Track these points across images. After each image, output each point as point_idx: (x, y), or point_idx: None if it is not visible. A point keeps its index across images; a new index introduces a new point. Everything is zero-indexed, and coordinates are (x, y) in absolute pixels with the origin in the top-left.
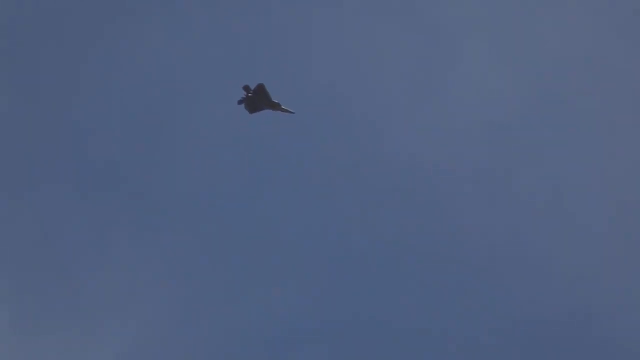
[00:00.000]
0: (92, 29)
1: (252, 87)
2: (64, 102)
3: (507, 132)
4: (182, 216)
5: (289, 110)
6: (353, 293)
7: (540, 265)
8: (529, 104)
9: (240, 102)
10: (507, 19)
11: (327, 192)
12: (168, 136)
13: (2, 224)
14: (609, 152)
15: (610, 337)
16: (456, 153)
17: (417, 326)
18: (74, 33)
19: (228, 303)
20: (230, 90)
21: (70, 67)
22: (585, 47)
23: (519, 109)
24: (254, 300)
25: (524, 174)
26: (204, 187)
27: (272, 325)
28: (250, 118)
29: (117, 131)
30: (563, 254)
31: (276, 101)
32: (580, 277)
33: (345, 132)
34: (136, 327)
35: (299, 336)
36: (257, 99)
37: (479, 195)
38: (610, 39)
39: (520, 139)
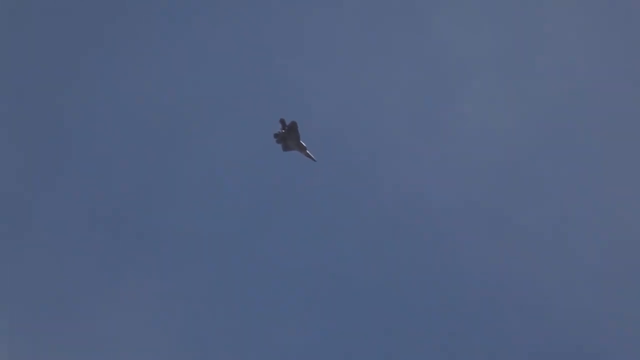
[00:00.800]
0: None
1: (287, 122)
2: (67, 131)
3: (510, 171)
4: (189, 256)
5: (312, 157)
6: (355, 334)
7: (543, 305)
8: (533, 143)
9: (275, 136)
10: (511, 56)
11: (326, 232)
12: (177, 174)
13: (3, 263)
14: (614, 191)
15: None
16: (457, 192)
17: None
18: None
19: (238, 347)
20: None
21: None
22: (588, 85)
23: (523, 147)
24: (263, 344)
25: (528, 213)
26: (213, 225)
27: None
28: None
29: (124, 168)
30: (567, 295)
31: (304, 144)
32: (584, 318)
33: (344, 171)
34: None
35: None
36: (288, 136)
37: (481, 235)
38: (614, 75)
39: (524, 179)
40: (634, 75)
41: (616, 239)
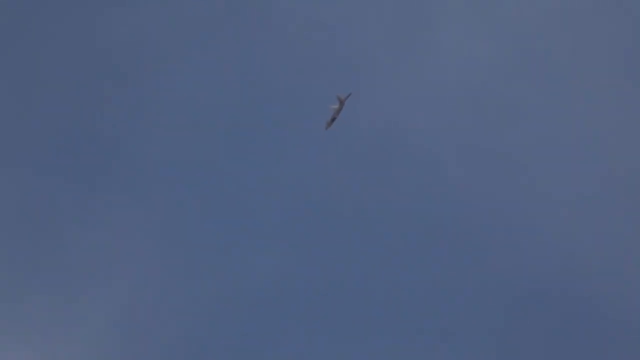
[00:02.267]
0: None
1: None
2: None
3: (488, 96)
4: (174, 175)
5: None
6: (340, 252)
7: (524, 225)
8: (509, 66)
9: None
10: None
11: (302, 154)
12: (161, 94)
13: None
14: (593, 110)
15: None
16: (434, 118)
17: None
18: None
19: (221, 264)
20: None
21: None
22: (564, 5)
23: (500, 70)
24: (248, 260)
25: (505, 137)
26: (197, 144)
27: (264, 286)
28: None
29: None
30: (546, 219)
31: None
32: (562, 240)
33: (321, 99)
34: (126, 290)
35: (291, 296)
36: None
37: (460, 160)
38: None
39: (502, 103)
40: None
41: (597, 163)
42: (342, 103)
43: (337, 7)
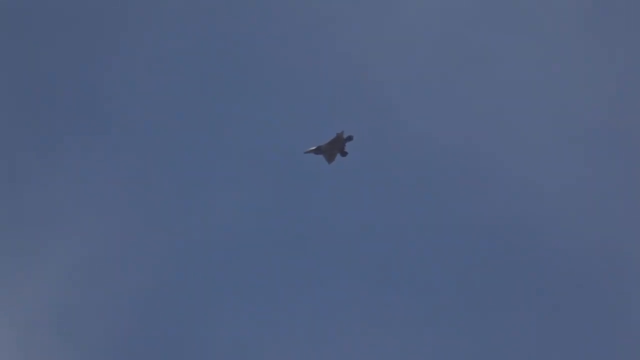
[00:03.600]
0: None
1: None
2: None
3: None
4: (135, 122)
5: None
6: (310, 190)
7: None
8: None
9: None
10: None
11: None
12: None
13: None
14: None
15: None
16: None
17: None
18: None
19: (183, 211)
20: None
21: None
22: None
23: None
24: (209, 206)
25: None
26: (159, 95)
27: (229, 230)
28: None
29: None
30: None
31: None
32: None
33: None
34: (83, 242)
35: (260, 240)
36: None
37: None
38: None
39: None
40: None
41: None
42: (337, 141)
43: None
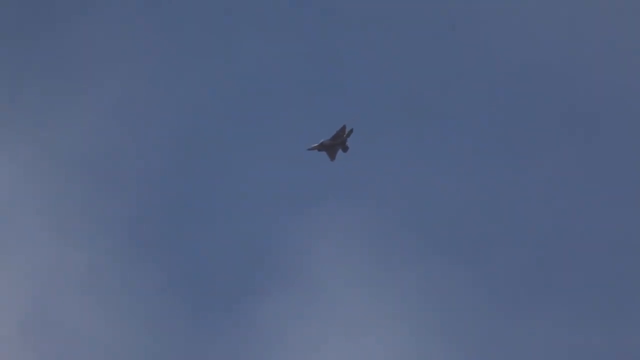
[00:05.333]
0: None
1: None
2: None
3: None
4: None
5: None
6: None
7: None
8: None
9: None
10: None
11: None
12: None
13: None
14: None
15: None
16: None
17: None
18: None
19: (218, 57)
20: None
21: None
22: None
23: None
24: (248, 51)
25: None
26: None
27: (266, 77)
28: None
29: None
30: None
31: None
32: None
33: None
34: (122, 85)
35: (292, 87)
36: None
37: None
38: None
39: None
40: None
41: None
42: (340, 137)
43: None
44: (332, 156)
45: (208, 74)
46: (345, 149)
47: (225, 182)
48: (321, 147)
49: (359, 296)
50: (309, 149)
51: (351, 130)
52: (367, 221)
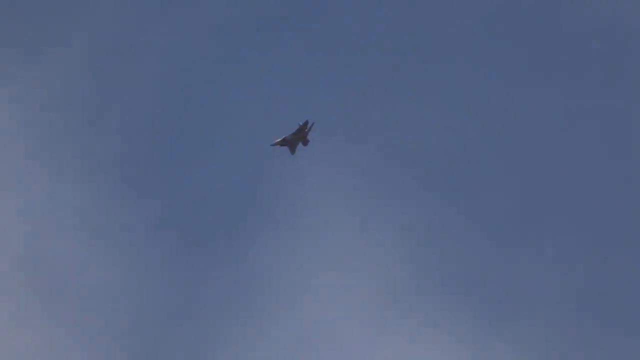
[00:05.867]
0: None
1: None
2: None
3: None
4: None
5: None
6: None
7: None
8: None
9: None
10: None
11: None
12: None
13: None
14: None
15: None
16: None
17: None
18: None
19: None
20: None
21: None
22: None
23: None
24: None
25: None
26: None
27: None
28: None
29: None
30: None
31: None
32: None
33: None
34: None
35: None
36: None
37: None
38: None
39: None
40: None
41: None
42: (300, 132)
43: None
44: (293, 150)
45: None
46: (305, 142)
47: (216, 118)
48: (283, 142)
49: (350, 232)
50: (272, 145)
51: (312, 125)
52: (359, 157)
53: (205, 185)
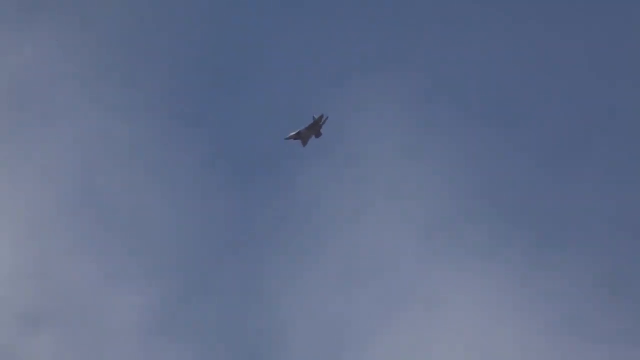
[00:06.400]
0: None
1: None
2: None
3: None
4: None
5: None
6: None
7: None
8: None
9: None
10: None
11: None
12: None
13: None
14: None
15: None
16: None
17: None
18: None
19: None
20: None
21: None
22: None
23: None
24: None
25: None
26: None
27: None
28: None
29: None
30: None
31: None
32: None
33: None
34: None
35: None
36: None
37: None
38: None
39: None
40: None
41: None
42: (315, 125)
43: None
44: (305, 142)
45: None
46: (318, 135)
47: (263, 54)
48: (297, 136)
49: (399, 161)
50: (286, 139)
51: (326, 118)
52: (410, 87)
53: (255, 117)
